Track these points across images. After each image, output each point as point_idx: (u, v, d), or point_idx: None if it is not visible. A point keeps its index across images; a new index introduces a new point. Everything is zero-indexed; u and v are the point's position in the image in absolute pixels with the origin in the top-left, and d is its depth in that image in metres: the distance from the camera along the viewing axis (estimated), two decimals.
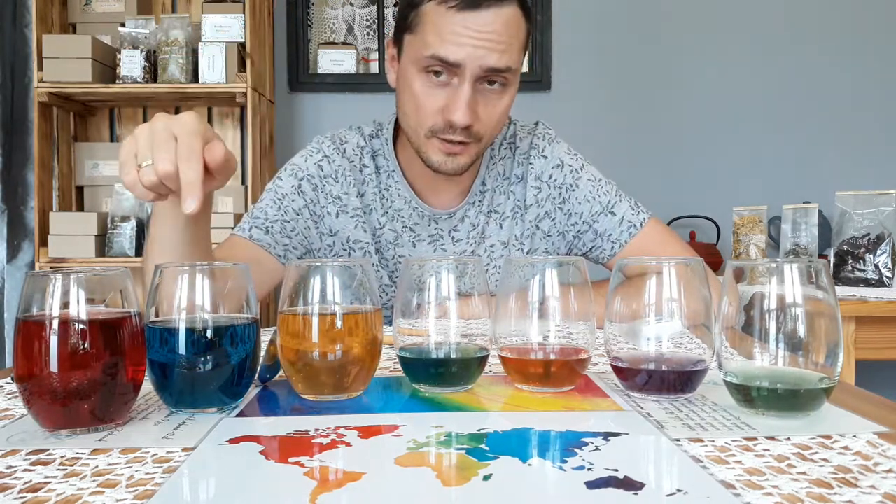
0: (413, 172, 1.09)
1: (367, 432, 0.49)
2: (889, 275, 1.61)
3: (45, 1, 2.19)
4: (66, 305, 0.49)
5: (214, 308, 0.55)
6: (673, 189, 2.50)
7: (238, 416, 0.54)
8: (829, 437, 0.47)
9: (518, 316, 0.61)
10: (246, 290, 0.57)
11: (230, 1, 2.24)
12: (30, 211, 2.34)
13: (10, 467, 0.43)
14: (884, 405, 0.56)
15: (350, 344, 0.58)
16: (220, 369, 0.54)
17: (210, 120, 2.49)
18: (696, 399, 0.57)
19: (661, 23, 2.52)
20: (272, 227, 1.03)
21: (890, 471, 0.41)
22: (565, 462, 0.42)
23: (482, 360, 0.62)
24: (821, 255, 1.94)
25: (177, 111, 2.45)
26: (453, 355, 0.61)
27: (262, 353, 0.62)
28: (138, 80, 2.19)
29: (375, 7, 2.53)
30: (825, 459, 0.43)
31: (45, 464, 0.43)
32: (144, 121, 2.47)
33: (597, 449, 0.45)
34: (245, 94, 2.17)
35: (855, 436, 0.47)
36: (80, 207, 2.41)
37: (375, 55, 2.55)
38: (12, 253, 2.38)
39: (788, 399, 0.51)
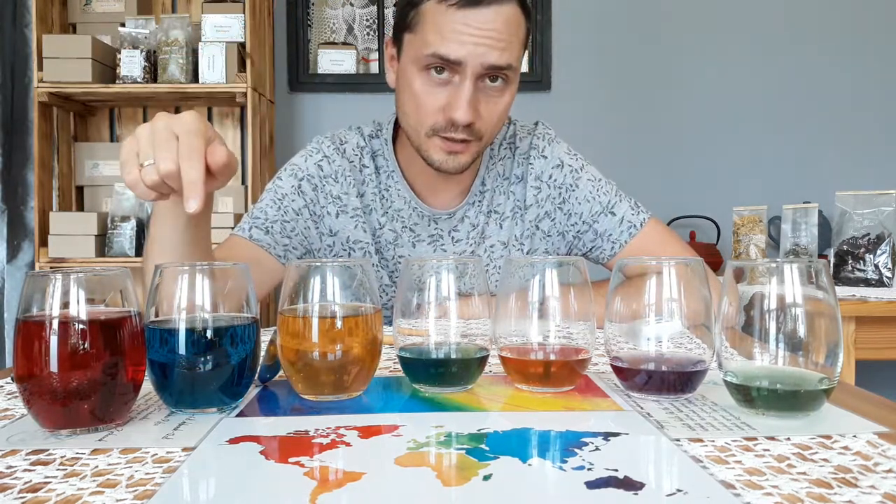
0: (412, 173, 1.09)
1: (367, 432, 0.49)
2: (889, 275, 1.61)
3: (45, 1, 2.19)
4: (66, 305, 0.49)
5: (214, 308, 0.55)
6: (673, 189, 2.50)
7: (238, 416, 0.54)
8: (829, 437, 0.47)
9: (518, 316, 0.61)
10: (246, 290, 0.57)
11: (230, 1, 2.25)
12: (30, 211, 2.34)
13: (10, 467, 0.43)
14: (884, 405, 0.56)
15: (350, 344, 0.58)
16: (220, 369, 0.54)
17: (210, 120, 2.49)
18: (696, 399, 0.57)
19: (661, 23, 2.52)
20: (272, 227, 1.03)
21: (890, 471, 0.41)
22: (565, 462, 0.42)
23: (482, 360, 0.62)
24: (821, 255, 1.94)
25: (177, 111, 2.44)
26: (453, 355, 0.61)
27: (262, 353, 0.62)
28: (138, 80, 2.19)
29: (375, 7, 2.53)
30: (825, 459, 0.43)
31: (45, 464, 0.43)
32: (144, 121, 2.47)
33: (597, 449, 0.45)
34: (245, 94, 2.17)
35: (855, 436, 0.47)
36: (80, 207, 2.41)
37: (375, 55, 2.55)
38: (12, 253, 2.38)
39: (788, 399, 0.51)
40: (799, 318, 0.52)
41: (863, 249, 1.64)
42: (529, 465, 0.42)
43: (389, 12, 2.51)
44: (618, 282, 0.61)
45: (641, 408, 0.55)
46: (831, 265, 1.68)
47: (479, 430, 0.49)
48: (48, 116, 2.26)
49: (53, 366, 0.48)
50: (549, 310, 0.60)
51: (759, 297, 0.52)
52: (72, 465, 0.43)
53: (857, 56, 2.50)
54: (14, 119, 2.35)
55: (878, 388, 0.73)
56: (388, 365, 0.72)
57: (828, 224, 2.04)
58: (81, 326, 0.49)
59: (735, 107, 2.51)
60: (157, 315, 0.55)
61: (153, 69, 2.22)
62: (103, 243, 2.23)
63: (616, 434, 0.48)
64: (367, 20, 2.55)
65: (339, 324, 0.58)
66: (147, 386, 0.54)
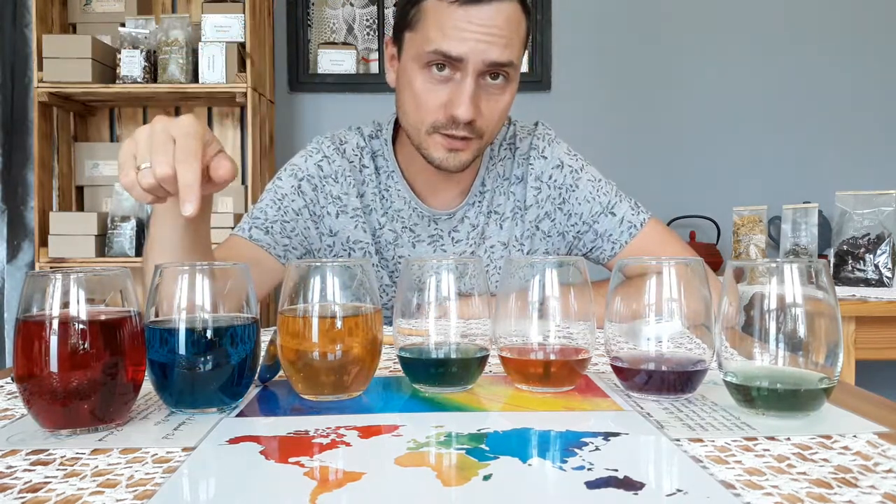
0: (412, 173, 1.09)
1: (367, 432, 0.49)
2: (889, 275, 1.61)
3: (45, 1, 2.19)
4: (66, 305, 0.49)
5: (214, 308, 0.55)
6: (673, 189, 2.50)
7: (238, 416, 0.54)
8: (829, 437, 0.47)
9: (518, 316, 0.61)
10: (246, 290, 0.57)
11: (230, 1, 2.25)
12: (30, 211, 2.34)
13: (10, 467, 0.43)
14: (884, 405, 0.56)
15: (350, 344, 0.58)
16: (220, 369, 0.54)
17: (210, 120, 2.49)
18: (696, 399, 0.57)
19: (661, 23, 2.52)
20: (272, 227, 1.03)
21: (890, 471, 0.41)
22: (565, 462, 0.42)
23: (482, 360, 0.62)
24: (821, 255, 1.94)
25: (177, 111, 2.45)
26: (453, 355, 0.61)
27: (262, 353, 0.62)
28: (138, 80, 2.19)
29: (375, 7, 2.53)
30: (825, 459, 0.43)
31: (45, 464, 0.43)
32: (144, 121, 2.48)
33: (597, 449, 0.45)
34: (245, 94, 2.17)
35: (855, 436, 0.47)
36: (80, 207, 2.41)
37: (375, 55, 2.55)
38: (12, 253, 2.38)
39: (788, 399, 0.51)
40: (799, 318, 0.52)
41: (863, 249, 1.64)
42: (529, 465, 0.42)
43: (389, 12, 2.51)
44: (618, 282, 0.61)
45: (641, 408, 0.55)
46: (831, 265, 1.68)
47: (479, 430, 0.49)
48: (48, 116, 2.26)
49: (53, 366, 0.48)
50: (549, 310, 0.60)
51: (759, 297, 0.52)
52: (72, 465, 0.43)
53: (857, 56, 2.50)
54: (14, 119, 2.35)
55: (878, 388, 0.73)
56: (388, 365, 0.72)
57: (828, 224, 2.04)
58: (81, 326, 0.49)
59: (735, 107, 2.51)
60: (157, 315, 0.55)
61: (153, 69, 2.22)
62: (103, 243, 2.23)
63: (616, 434, 0.48)
64: (367, 20, 2.55)
65: (339, 324, 0.58)
66: (147, 386, 0.54)
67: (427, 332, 0.61)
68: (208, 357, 0.54)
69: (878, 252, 1.62)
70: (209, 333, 0.54)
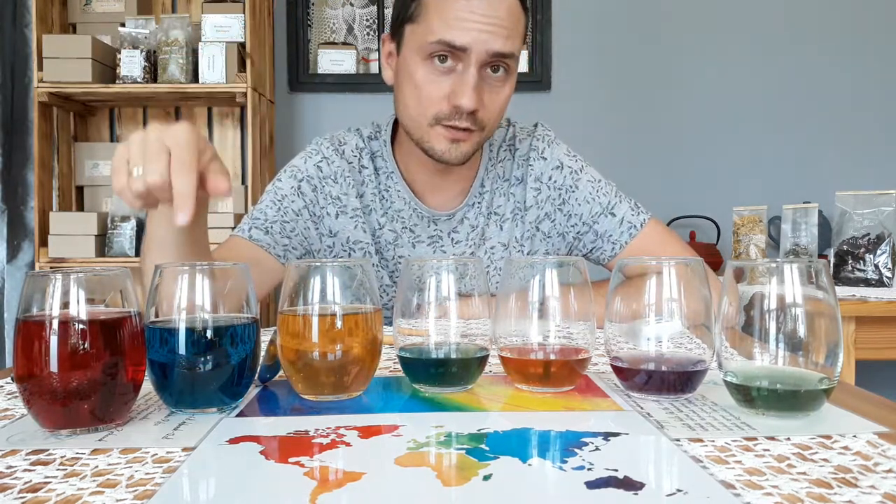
0: (411, 174, 1.09)
1: (367, 432, 0.49)
2: (889, 275, 1.61)
3: (45, 1, 2.20)
4: (66, 305, 0.49)
5: (214, 308, 0.55)
6: (673, 189, 2.50)
7: (238, 416, 0.54)
8: (829, 437, 0.47)
9: (518, 316, 0.61)
10: (246, 290, 0.57)
11: (230, 1, 2.25)
12: (30, 211, 2.34)
13: (10, 467, 0.43)
14: (884, 405, 0.56)
15: (350, 344, 0.58)
16: (220, 369, 0.54)
17: (210, 120, 2.49)
18: (696, 399, 0.57)
19: (661, 23, 2.52)
20: (272, 227, 1.03)
21: (890, 471, 0.41)
22: (565, 462, 0.42)
23: (482, 360, 0.62)
24: (821, 255, 1.94)
25: (177, 111, 2.46)
26: (453, 355, 0.61)
27: (262, 353, 0.62)
28: (138, 80, 2.19)
29: (375, 7, 2.53)
30: (825, 459, 0.43)
31: (45, 464, 0.43)
32: (144, 121, 2.48)
33: (597, 449, 0.45)
34: (245, 94, 2.17)
35: (855, 436, 0.47)
36: (80, 207, 2.41)
37: (375, 55, 2.55)
38: (12, 253, 2.38)
39: (788, 399, 0.51)
40: (799, 318, 0.52)
41: (863, 249, 1.64)
42: (529, 465, 0.42)
43: (389, 12, 2.51)
44: (618, 282, 0.61)
45: (641, 408, 0.55)
46: (831, 265, 1.68)
47: (479, 430, 0.49)
48: (48, 116, 2.26)
49: (53, 366, 0.48)
50: (549, 310, 0.60)
51: (759, 297, 0.52)
52: (72, 465, 0.43)
53: (857, 56, 2.50)
54: (14, 119, 2.35)
55: (878, 388, 0.73)
56: (388, 365, 0.72)
57: (828, 224, 2.04)
58: (81, 326, 0.49)
59: (735, 107, 2.51)
60: (157, 315, 0.55)
61: (153, 69, 2.22)
62: (103, 243, 2.23)
63: (616, 434, 0.48)
64: (367, 20, 2.55)
65: (339, 324, 0.58)
66: (147, 386, 0.54)
67: (427, 332, 0.61)
68: (208, 357, 0.54)
69: (878, 252, 1.62)
70: (209, 333, 0.54)
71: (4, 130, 2.32)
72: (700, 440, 0.47)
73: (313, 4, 2.54)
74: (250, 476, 0.41)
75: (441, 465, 0.42)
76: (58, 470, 0.42)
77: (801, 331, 0.51)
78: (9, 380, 0.66)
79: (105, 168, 2.38)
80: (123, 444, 0.47)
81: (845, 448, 0.45)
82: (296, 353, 0.58)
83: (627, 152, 2.50)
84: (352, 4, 2.54)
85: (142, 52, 2.19)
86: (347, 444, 0.46)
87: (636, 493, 0.38)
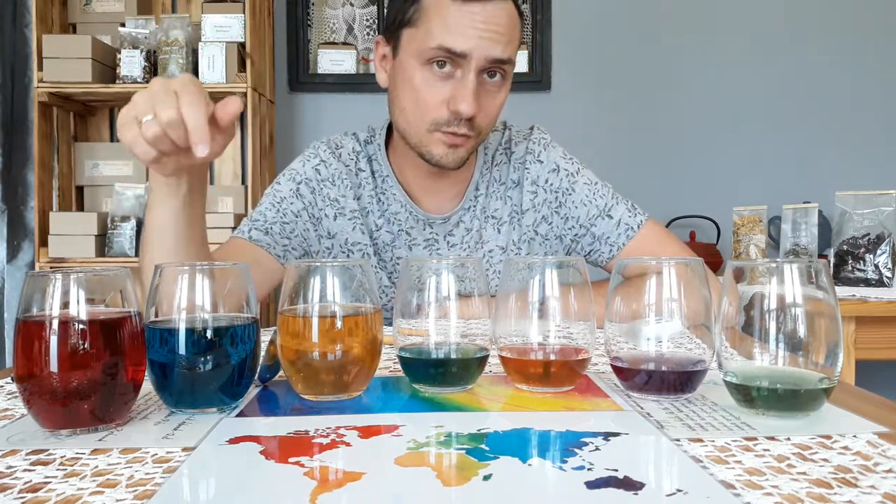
0: (406, 177, 1.09)
1: (367, 432, 0.49)
2: (889, 275, 1.61)
3: (45, 1, 2.19)
4: (66, 305, 0.49)
5: (214, 308, 0.55)
6: (673, 189, 2.50)
7: (238, 416, 0.54)
8: (829, 437, 0.47)
9: (518, 316, 0.61)
10: (246, 290, 0.57)
11: (230, 1, 2.25)
12: (30, 211, 2.34)
13: (10, 467, 0.43)
14: (884, 405, 0.56)
15: (350, 344, 0.58)
16: (220, 369, 0.54)
17: None
18: (696, 399, 0.57)
19: (661, 23, 2.52)
20: (272, 228, 1.03)
21: (890, 471, 0.41)
22: (565, 462, 0.42)
23: (482, 360, 0.62)
24: (821, 255, 1.94)
25: None
26: (453, 355, 0.61)
27: (262, 353, 0.62)
28: (138, 80, 2.19)
29: (375, 7, 2.53)
30: (825, 459, 0.43)
31: (45, 464, 0.43)
32: None
33: (597, 449, 0.45)
34: (245, 95, 2.17)
35: (855, 436, 0.47)
36: (80, 207, 2.41)
37: None
38: (12, 253, 2.38)
39: (788, 399, 0.51)
40: (799, 318, 0.52)
41: (863, 249, 1.64)
42: (529, 465, 0.42)
43: None
44: (617, 283, 0.61)
45: (641, 408, 0.55)
46: (831, 265, 1.68)
47: (479, 430, 0.49)
48: (48, 116, 2.26)
49: (53, 366, 0.48)
50: (549, 310, 0.60)
51: (759, 297, 0.52)
52: (72, 465, 0.43)
53: (857, 56, 2.50)
54: (14, 119, 2.35)
55: (878, 388, 0.73)
56: (388, 365, 0.72)
57: (828, 224, 2.04)
58: (81, 326, 0.49)
59: (735, 107, 2.51)
60: (157, 315, 0.55)
61: (153, 69, 2.22)
62: (103, 243, 2.23)
63: (616, 434, 0.48)
64: (367, 20, 2.55)
65: (339, 324, 0.58)
66: (147, 386, 0.54)
67: (427, 332, 0.61)
68: (208, 357, 0.54)
69: (878, 252, 1.62)
70: (209, 333, 0.54)
71: (4, 130, 2.32)
72: (700, 440, 0.47)
73: (313, 4, 2.54)
74: (250, 476, 0.41)
75: (441, 465, 0.42)
76: (58, 470, 0.42)
77: (801, 331, 0.51)
78: (9, 380, 0.66)
79: (105, 168, 2.38)
80: (123, 444, 0.47)
81: (845, 448, 0.45)
82: (296, 353, 0.58)
83: (627, 152, 2.50)
84: (352, 4, 2.54)
85: (142, 52, 2.19)
86: (347, 444, 0.46)
87: (636, 493, 0.38)
